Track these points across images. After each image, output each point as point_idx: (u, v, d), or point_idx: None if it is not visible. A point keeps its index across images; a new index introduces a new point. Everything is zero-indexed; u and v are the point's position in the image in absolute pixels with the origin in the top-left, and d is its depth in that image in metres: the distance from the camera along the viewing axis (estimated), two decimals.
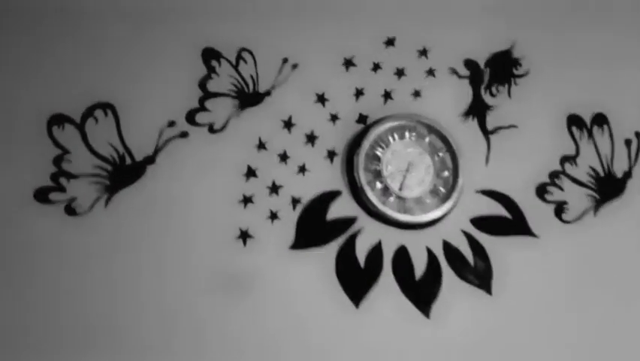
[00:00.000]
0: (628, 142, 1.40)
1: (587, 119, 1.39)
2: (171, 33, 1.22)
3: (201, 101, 1.21)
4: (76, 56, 1.17)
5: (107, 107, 1.16)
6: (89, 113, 1.15)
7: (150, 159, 1.17)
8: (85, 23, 1.19)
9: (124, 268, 1.12)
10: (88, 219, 1.12)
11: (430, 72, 1.33)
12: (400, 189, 1.26)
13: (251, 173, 1.21)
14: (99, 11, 1.20)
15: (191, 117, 1.20)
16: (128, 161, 1.16)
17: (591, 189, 1.36)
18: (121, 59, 1.19)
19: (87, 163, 1.14)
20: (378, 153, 1.26)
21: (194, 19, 1.23)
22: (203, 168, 1.18)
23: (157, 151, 1.17)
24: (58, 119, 1.14)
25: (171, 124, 1.18)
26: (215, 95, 1.22)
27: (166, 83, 1.19)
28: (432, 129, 1.29)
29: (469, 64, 1.35)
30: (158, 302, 1.12)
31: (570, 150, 1.36)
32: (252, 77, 1.24)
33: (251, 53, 1.25)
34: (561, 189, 1.34)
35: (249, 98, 1.23)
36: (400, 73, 1.32)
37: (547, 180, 1.34)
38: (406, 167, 1.27)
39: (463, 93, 1.34)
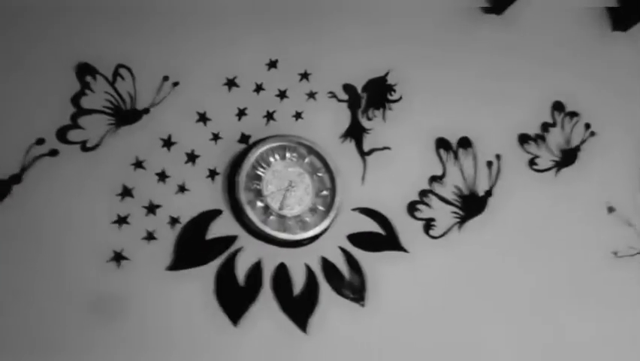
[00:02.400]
0: (489, 163, 1.52)
1: (454, 143, 1.49)
2: (42, 47, 1.17)
3: (74, 117, 1.17)
4: None
5: None
6: None
7: (16, 178, 1.11)
8: None
9: None
10: None
11: (311, 95, 1.38)
12: (281, 208, 1.29)
13: (126, 192, 1.18)
14: None
15: (62, 135, 1.15)
16: None
17: (456, 206, 1.47)
18: None
19: None
20: (260, 173, 1.29)
21: (69, 34, 1.19)
22: (75, 187, 1.15)
23: (24, 170, 1.11)
24: None
25: (40, 142, 1.13)
26: (90, 111, 1.18)
27: (35, 98, 1.14)
28: (312, 150, 1.34)
29: (348, 88, 1.42)
30: (26, 328, 1.08)
31: (438, 171, 1.46)
32: (129, 94, 1.22)
33: (129, 69, 1.23)
34: (429, 206, 1.44)
35: (126, 115, 1.21)
36: (282, 95, 1.35)
37: (417, 198, 1.43)
38: (286, 186, 1.31)
39: (342, 116, 1.41)
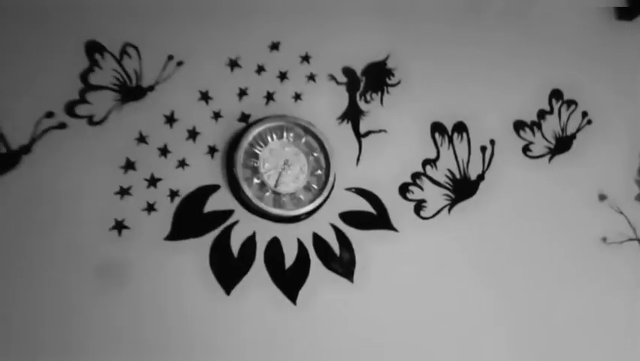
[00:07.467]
0: (483, 148, 1.57)
1: (449, 127, 1.54)
2: (53, 24, 1.22)
3: (82, 93, 1.23)
4: None
5: None
6: None
7: (26, 149, 1.18)
8: None
9: None
10: None
11: (311, 77, 1.43)
12: (276, 185, 1.36)
13: (129, 165, 1.25)
14: None
15: (70, 109, 1.22)
16: (3, 150, 1.16)
17: (448, 189, 1.52)
18: None
19: None
20: (257, 151, 1.35)
21: (79, 12, 1.24)
22: (81, 159, 1.22)
23: (33, 141, 1.19)
24: None
25: (49, 115, 1.20)
26: (97, 87, 1.25)
27: (45, 74, 1.20)
28: (308, 131, 1.39)
29: (347, 72, 1.46)
30: (30, 290, 1.16)
31: (432, 154, 1.51)
32: (135, 71, 1.28)
33: (136, 48, 1.28)
34: (421, 188, 1.49)
35: (131, 92, 1.27)
36: (282, 76, 1.40)
37: (409, 180, 1.48)
38: (282, 165, 1.37)
39: (340, 99, 1.45)
